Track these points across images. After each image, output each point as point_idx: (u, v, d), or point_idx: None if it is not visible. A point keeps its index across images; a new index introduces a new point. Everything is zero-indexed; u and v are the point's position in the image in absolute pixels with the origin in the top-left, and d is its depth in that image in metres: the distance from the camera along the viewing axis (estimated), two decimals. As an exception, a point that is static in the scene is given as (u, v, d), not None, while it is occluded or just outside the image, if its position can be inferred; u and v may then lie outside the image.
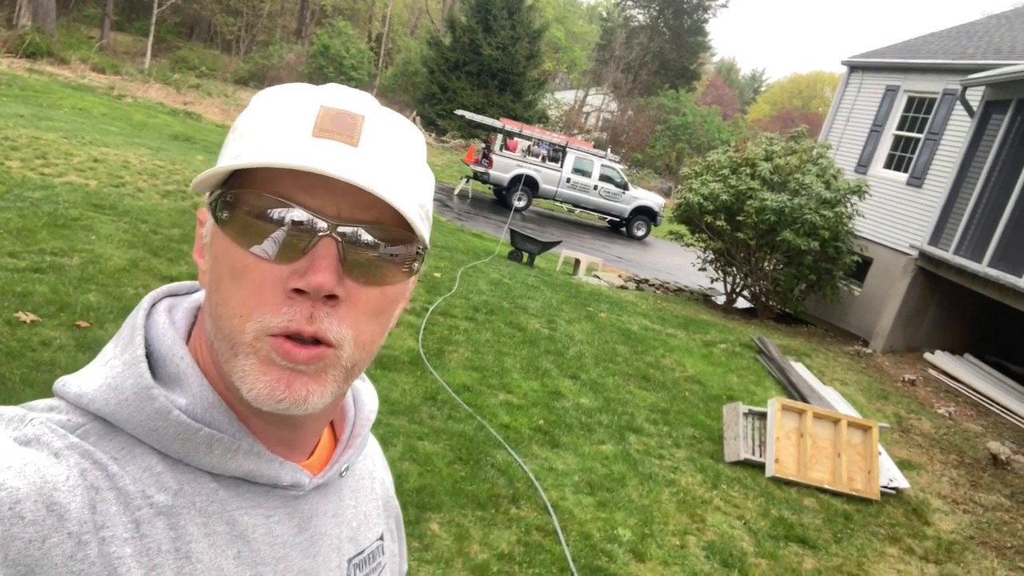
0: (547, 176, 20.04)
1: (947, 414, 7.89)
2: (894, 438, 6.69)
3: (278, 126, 0.61)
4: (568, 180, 20.13)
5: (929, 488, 5.83)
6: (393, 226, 0.63)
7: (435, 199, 17.15)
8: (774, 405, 5.53)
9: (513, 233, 12.27)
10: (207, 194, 0.65)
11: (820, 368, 8.56)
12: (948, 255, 9.39)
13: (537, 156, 20.58)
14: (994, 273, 8.28)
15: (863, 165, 12.81)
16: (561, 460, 4.81)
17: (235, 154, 0.62)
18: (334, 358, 0.62)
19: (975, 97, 9.98)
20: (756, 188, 10.68)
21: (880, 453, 5.63)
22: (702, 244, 11.99)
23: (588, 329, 8.07)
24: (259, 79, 31.04)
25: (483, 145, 21.60)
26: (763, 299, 11.72)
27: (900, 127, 12.45)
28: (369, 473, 0.85)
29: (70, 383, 0.64)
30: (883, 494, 5.41)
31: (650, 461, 5.13)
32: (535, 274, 10.83)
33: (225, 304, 0.62)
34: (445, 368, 5.86)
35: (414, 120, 28.33)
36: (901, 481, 5.64)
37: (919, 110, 12.13)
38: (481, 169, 19.75)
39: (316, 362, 0.61)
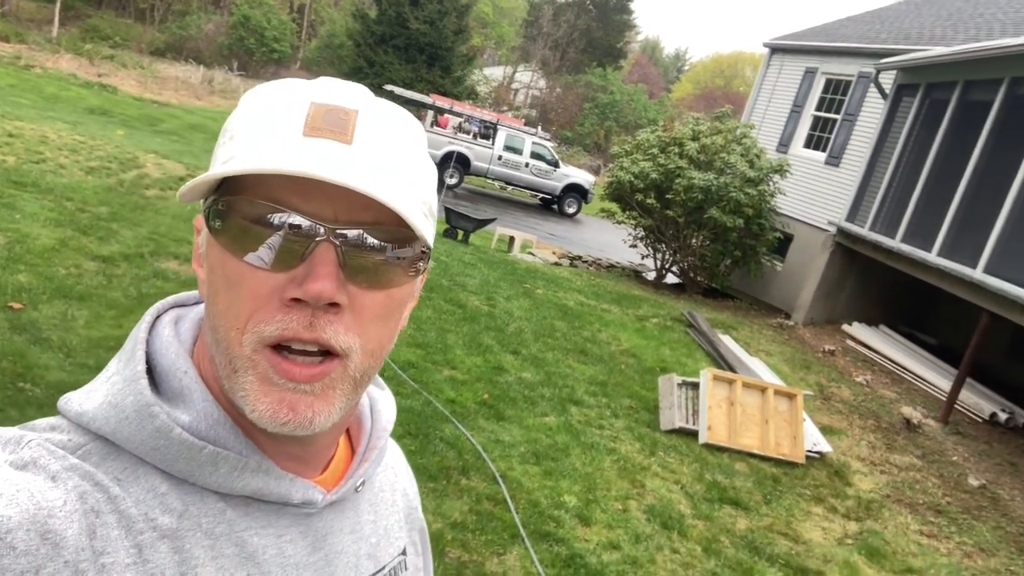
0: (479, 153, 20.08)
1: (864, 382, 8.37)
2: (816, 405, 7.08)
3: (267, 127, 0.59)
4: (500, 158, 20.20)
5: (849, 451, 6.22)
6: (394, 226, 0.59)
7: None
8: (706, 376, 5.80)
9: (448, 211, 12.31)
10: (201, 202, 0.63)
11: (746, 340, 8.95)
12: (864, 231, 9.89)
13: (468, 133, 20.58)
14: (906, 248, 8.78)
15: (784, 145, 13.29)
16: (507, 432, 4.96)
17: (225, 158, 0.60)
18: (340, 371, 0.60)
19: (888, 80, 10.48)
20: (684, 167, 11.00)
21: (804, 419, 5.96)
22: (633, 221, 12.29)
23: (526, 305, 8.23)
24: (176, 50, 29.94)
25: (413, 121, 21.45)
26: (691, 274, 12.10)
27: (819, 108, 12.96)
28: (390, 484, 0.82)
29: (72, 400, 0.62)
30: (808, 458, 5.75)
31: (591, 431, 5.33)
32: (471, 252, 10.92)
33: (222, 316, 0.60)
34: (388, 346, 5.92)
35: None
36: (824, 445, 6.00)
37: (836, 92, 12.64)
38: (411, 146, 19.64)
39: (320, 379, 0.59)
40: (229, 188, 0.60)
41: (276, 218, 0.57)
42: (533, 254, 12.56)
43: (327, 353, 0.59)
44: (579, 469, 4.70)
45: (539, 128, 22.38)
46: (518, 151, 20.44)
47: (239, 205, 0.58)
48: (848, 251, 10.50)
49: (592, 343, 7.49)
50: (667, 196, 11.09)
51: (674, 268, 12.43)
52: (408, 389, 5.18)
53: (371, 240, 0.59)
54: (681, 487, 4.85)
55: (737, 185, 10.73)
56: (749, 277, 12.10)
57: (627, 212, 12.41)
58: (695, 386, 5.88)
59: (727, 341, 8.47)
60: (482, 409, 5.21)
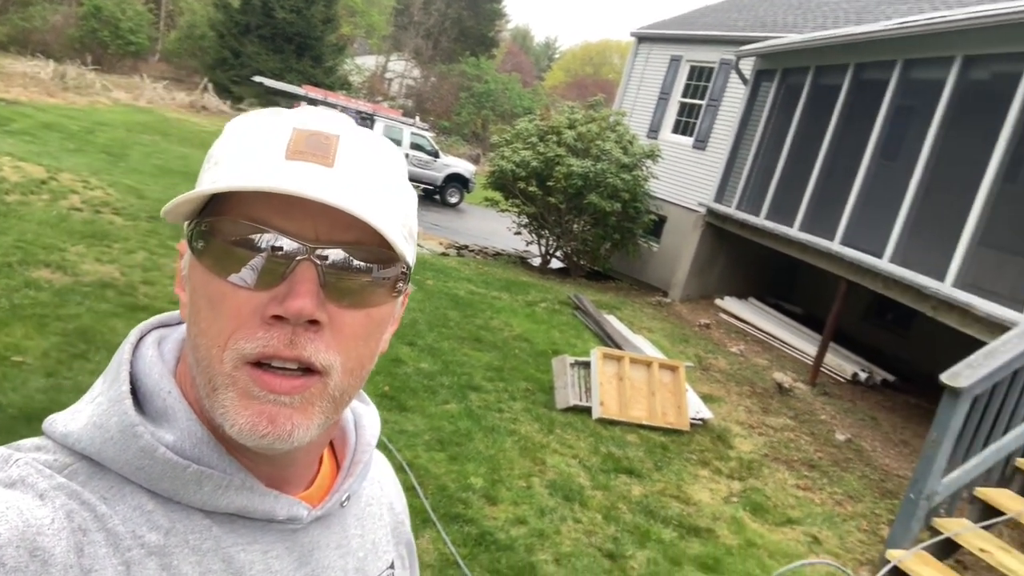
0: (355, 146, 19.83)
1: (738, 352, 8.93)
2: (697, 376, 7.51)
3: (251, 151, 0.60)
4: (377, 150, 20.02)
5: (729, 416, 6.66)
6: (375, 246, 0.61)
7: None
8: (596, 354, 6.06)
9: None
10: (184, 226, 0.64)
11: (630, 319, 9.34)
12: (731, 210, 10.50)
13: (344, 125, 20.26)
14: (770, 225, 9.41)
15: (654, 130, 13.86)
16: (410, 422, 5.04)
17: (210, 182, 0.60)
18: (320, 387, 0.60)
19: (747, 67, 11.13)
20: (563, 155, 11.31)
21: (687, 390, 6.34)
22: (516, 209, 12.52)
23: (418, 297, 8.29)
24: (20, 44, 27.85)
25: (286, 114, 20.92)
26: (574, 259, 12.48)
27: (684, 94, 13.59)
28: (377, 499, 0.82)
29: (57, 421, 0.62)
30: (692, 425, 6.13)
31: (491, 415, 5.49)
32: (355, 245, 10.84)
33: (203, 335, 0.60)
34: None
35: (205, 88, 26.73)
36: (706, 412, 6.40)
37: (700, 78, 13.28)
38: (285, 140, 19.18)
39: (300, 392, 0.59)
40: (212, 210, 0.61)
41: (258, 238, 0.58)
42: (420, 245, 12.55)
43: (307, 370, 0.59)
44: (483, 452, 4.85)
45: (417, 118, 22.31)
46: (397, 142, 20.29)
47: (221, 225, 0.59)
48: (717, 230, 11.11)
49: (486, 330, 7.64)
50: (548, 183, 11.38)
51: (558, 253, 12.77)
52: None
53: (351, 260, 0.60)
54: (579, 461, 5.08)
55: (613, 171, 11.13)
56: (628, 259, 12.60)
57: (510, 200, 12.62)
58: (586, 365, 6.13)
59: (612, 321, 8.83)
60: (384, 401, 5.26)
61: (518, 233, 13.08)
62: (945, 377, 4.20)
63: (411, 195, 0.67)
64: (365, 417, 0.80)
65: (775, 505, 5.16)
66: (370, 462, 0.77)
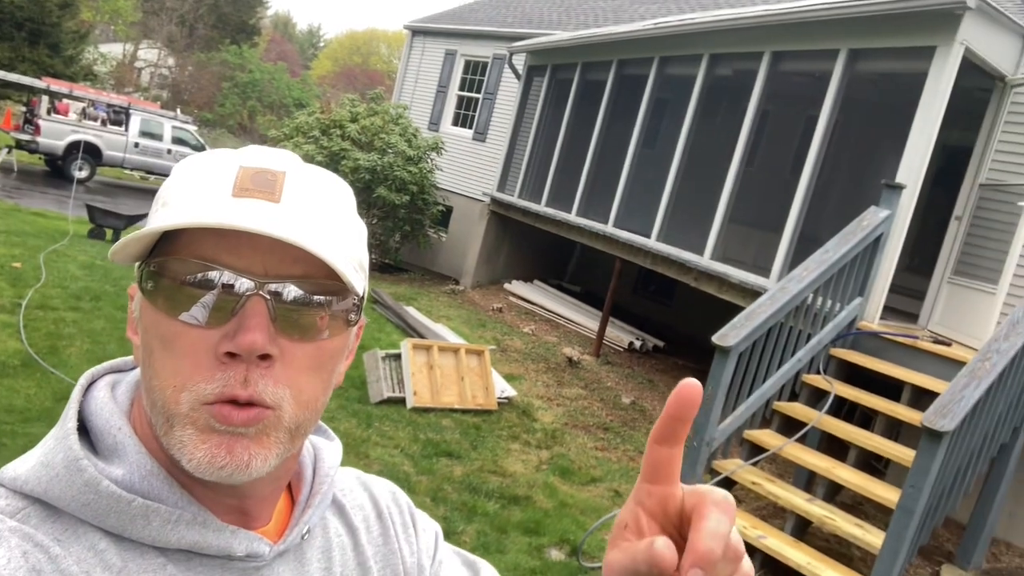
0: (110, 141, 18.22)
1: (530, 332, 9.49)
2: (498, 357, 7.92)
3: (197, 190, 0.61)
4: (136, 145, 18.56)
5: (530, 392, 7.12)
6: (323, 279, 0.61)
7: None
8: (406, 346, 6.24)
9: (91, 208, 11.18)
10: (135, 267, 0.64)
11: (428, 308, 9.59)
12: (514, 199, 11.08)
13: (96, 120, 18.56)
14: (551, 211, 10.06)
15: (434, 123, 14.18)
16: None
17: (155, 224, 0.61)
18: (274, 419, 0.60)
19: (520, 62, 11.74)
20: (348, 148, 11.28)
21: (492, 371, 6.71)
22: (299, 205, 12.27)
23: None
24: None
25: (24, 109, 18.78)
26: (364, 252, 12.48)
27: (461, 88, 14.03)
28: (349, 528, 0.79)
29: (7, 468, 0.62)
30: (499, 404, 6.51)
31: (308, 415, 5.49)
32: (128, 251, 10.10)
33: (157, 376, 0.60)
34: (67, 365, 5.45)
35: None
36: (510, 391, 6.81)
37: (475, 72, 13.78)
38: (26, 137, 17.20)
39: (255, 423, 0.59)
40: (161, 250, 0.61)
41: (207, 275, 0.59)
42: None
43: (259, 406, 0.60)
44: (305, 451, 4.86)
45: (179, 111, 20.92)
46: (158, 137, 18.94)
47: (170, 265, 0.60)
48: (502, 218, 11.66)
49: (285, 330, 7.52)
50: (334, 178, 11.29)
51: (346, 247, 12.71)
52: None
53: (300, 293, 0.60)
54: (401, 450, 5.25)
55: (400, 164, 11.29)
56: (419, 250, 12.84)
57: (293, 196, 12.35)
58: (397, 357, 6.29)
59: (412, 312, 9.03)
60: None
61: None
62: (715, 338, 4.86)
63: (360, 228, 0.68)
64: (325, 451, 0.78)
65: (579, 467, 5.66)
66: (330, 492, 0.75)
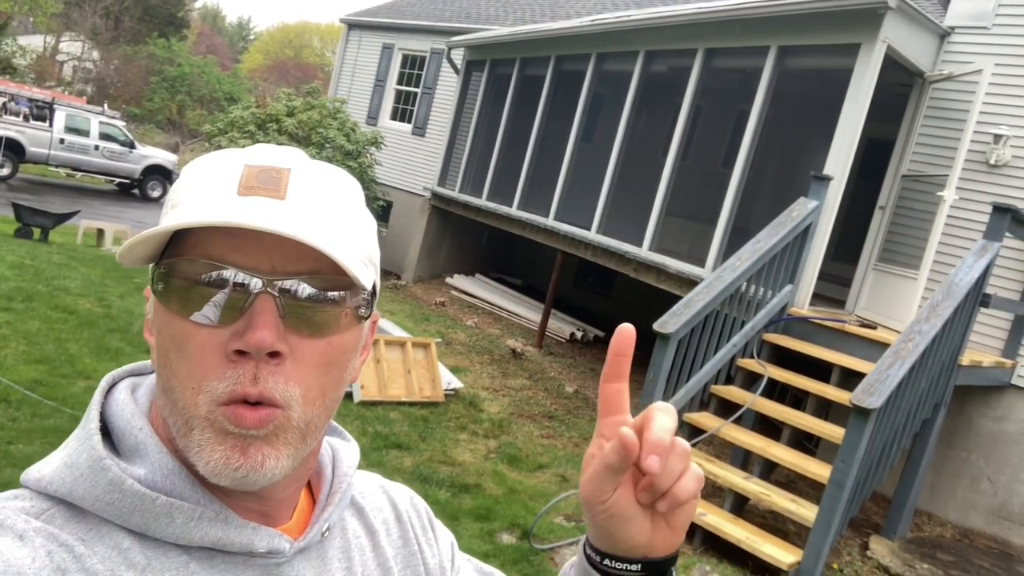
0: (34, 138, 17.56)
1: (473, 325, 9.57)
2: (443, 350, 7.98)
3: (204, 190, 0.61)
4: (62, 141, 17.92)
5: (476, 383, 7.21)
6: (331, 275, 0.62)
7: None
8: (352, 340, 6.25)
9: (17, 207, 10.79)
10: (149, 270, 0.65)
11: (370, 303, 9.58)
12: (455, 193, 11.13)
13: (17, 115, 17.85)
14: (492, 205, 10.15)
15: (372, 117, 14.11)
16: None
17: (163, 225, 0.61)
18: (284, 419, 0.61)
19: (459, 57, 11.78)
20: (285, 143, 11.12)
21: (438, 364, 6.77)
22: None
23: (143, 301, 7.79)
24: None
25: (-61, 104, 17.94)
26: (303, 248, 12.35)
27: (400, 82, 13.99)
28: (368, 530, 0.79)
29: (31, 470, 0.63)
30: (446, 396, 6.58)
31: (255, 410, 5.46)
32: (57, 250, 9.80)
33: (175, 377, 0.61)
34: (3, 367, 5.30)
35: None
36: (456, 383, 6.88)
37: (413, 66, 13.76)
38: (-59, 133, 16.49)
39: (266, 424, 0.60)
40: (170, 252, 0.62)
41: (215, 275, 0.59)
42: (130, 245, 11.65)
43: (269, 404, 0.61)
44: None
45: (106, 106, 20.27)
46: (84, 132, 18.31)
47: (179, 266, 0.60)
48: (443, 212, 11.69)
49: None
50: (272, 173, 11.15)
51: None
52: (46, 408, 4.76)
53: (309, 289, 0.61)
54: (350, 443, 5.27)
55: (339, 159, 11.22)
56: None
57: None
58: (343, 351, 6.29)
59: (354, 306, 9.01)
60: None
61: (240, 226, 12.63)
62: (656, 326, 5.03)
63: (369, 222, 0.69)
64: (342, 451, 0.79)
65: (527, 455, 5.78)
66: (348, 491, 0.76)
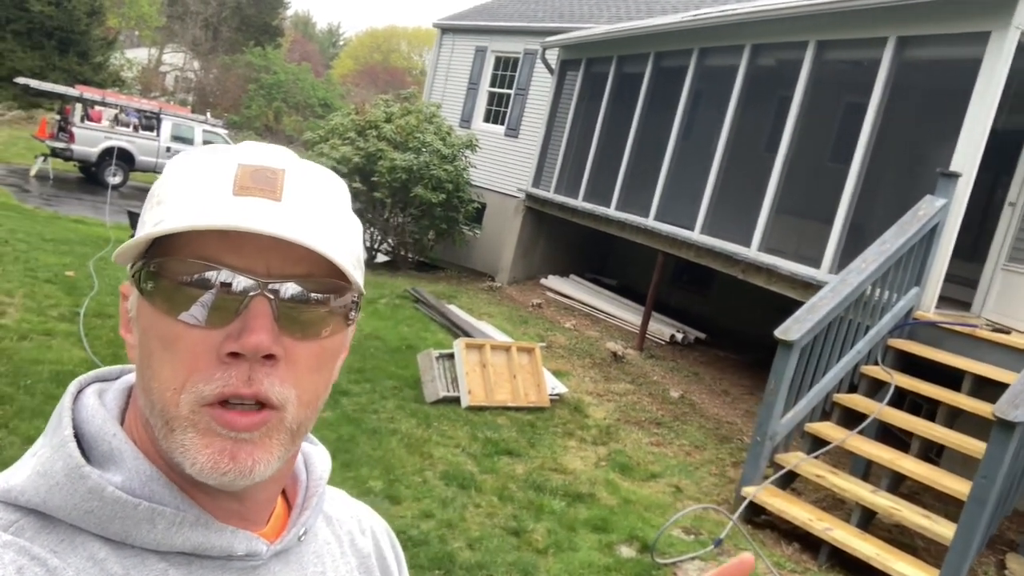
0: (143, 147, 18.47)
1: (572, 327, 9.51)
2: (544, 354, 7.93)
3: (196, 188, 0.60)
4: (168, 149, 18.78)
5: (579, 388, 7.15)
6: (326, 277, 0.62)
7: (9, 184, 14.91)
8: (459, 345, 6.29)
9: (132, 215, 11.36)
10: (129, 266, 0.63)
11: (468, 306, 9.64)
12: (550, 194, 11.08)
13: (128, 125, 18.81)
14: (589, 206, 10.06)
15: (466, 120, 14.22)
16: (292, 433, 5.00)
17: (155, 222, 0.60)
18: (277, 421, 0.61)
19: (553, 57, 11.73)
20: (384, 149, 11.35)
21: (543, 369, 6.74)
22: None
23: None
24: None
25: (58, 117, 19.06)
26: (400, 251, 12.57)
27: (493, 84, 14.05)
28: (336, 537, 0.80)
29: None
30: (551, 401, 6.54)
31: (369, 417, 5.56)
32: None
33: (157, 377, 0.60)
34: (133, 369, 5.56)
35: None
36: (560, 387, 6.84)
37: (507, 68, 13.79)
38: (61, 144, 17.47)
39: (259, 428, 0.60)
40: (159, 250, 0.61)
41: (209, 275, 0.58)
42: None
43: (263, 405, 0.60)
44: (372, 455, 4.93)
45: (208, 115, 21.14)
46: (189, 141, 19.12)
47: (171, 265, 0.59)
48: (537, 213, 11.67)
49: (335, 331, 7.60)
50: (372, 178, 11.37)
51: (383, 247, 12.80)
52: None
53: (304, 292, 0.61)
54: (462, 449, 5.30)
55: (436, 163, 11.35)
56: (454, 247, 12.89)
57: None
58: (451, 356, 6.34)
59: (455, 310, 9.08)
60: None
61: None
62: (778, 332, 4.86)
63: (356, 225, 0.68)
64: (314, 456, 0.79)
65: (637, 463, 5.68)
66: (323, 496, 0.77)
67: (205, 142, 19.23)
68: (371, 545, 0.84)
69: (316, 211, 0.62)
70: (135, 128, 18.85)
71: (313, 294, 0.61)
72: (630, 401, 7.08)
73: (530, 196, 11.64)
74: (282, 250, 0.59)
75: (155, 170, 18.79)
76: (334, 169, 11.54)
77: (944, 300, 6.22)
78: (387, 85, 42.87)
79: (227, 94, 32.02)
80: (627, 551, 4.30)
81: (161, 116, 19.03)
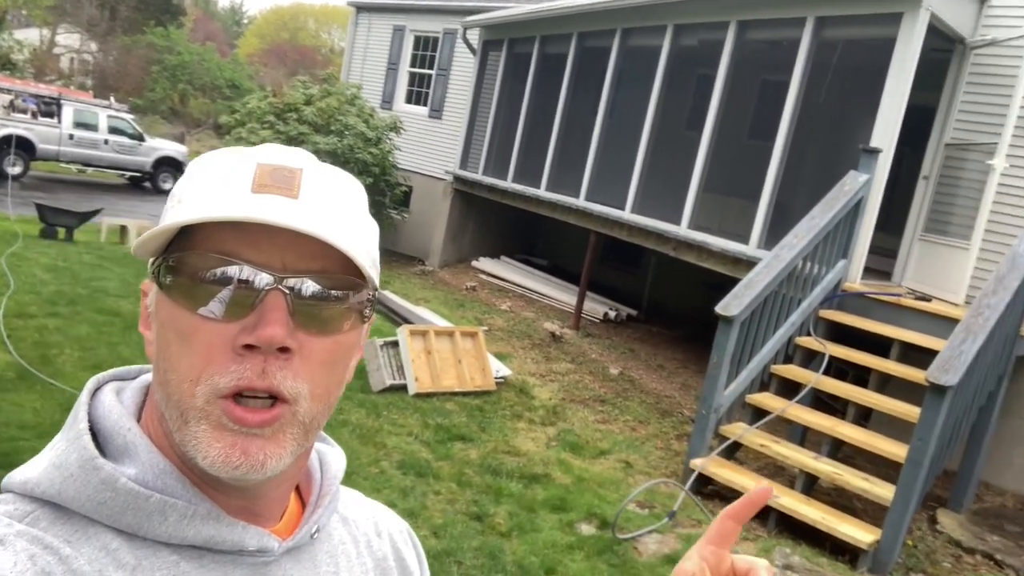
0: (43, 135, 17.46)
1: (508, 308, 9.55)
2: (486, 337, 7.97)
3: (216, 186, 0.62)
4: (71, 137, 17.83)
5: (522, 370, 7.21)
6: (341, 274, 0.63)
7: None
8: (403, 332, 6.25)
9: (41, 207, 10.75)
10: (149, 263, 0.65)
11: (403, 291, 9.56)
12: (479, 176, 11.05)
13: (25, 112, 17.75)
14: (519, 187, 10.08)
15: (387, 102, 13.98)
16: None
17: (174, 219, 0.61)
18: (290, 416, 0.61)
19: (475, 37, 11.63)
20: (307, 133, 11.05)
21: (487, 352, 6.76)
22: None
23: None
24: None
25: (-55, 105, 17.83)
26: (327, 237, 12.30)
27: (413, 64, 13.84)
28: (353, 538, 0.80)
29: (15, 473, 0.62)
30: (497, 384, 6.58)
31: (316, 409, 5.46)
32: (84, 250, 9.76)
33: (174, 370, 0.61)
34: (63, 374, 5.30)
35: None
36: (504, 370, 6.88)
37: (427, 48, 13.59)
38: (-49, 134, 16.40)
39: (271, 424, 0.60)
40: (179, 245, 0.62)
41: (227, 270, 0.60)
42: (154, 241, 11.60)
43: (276, 399, 0.61)
44: (324, 447, 4.86)
45: (112, 99, 20.12)
46: (93, 127, 18.20)
47: (190, 260, 0.61)
48: (466, 195, 11.63)
49: (270, 323, 7.42)
50: (294, 164, 11.06)
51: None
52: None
53: (319, 288, 0.62)
54: (415, 437, 5.28)
55: (360, 146, 11.13)
56: (383, 232, 12.67)
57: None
58: (395, 344, 6.29)
59: (391, 296, 8.99)
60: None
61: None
62: (719, 308, 5.01)
63: (373, 226, 0.70)
64: (329, 455, 0.80)
65: (586, 441, 5.78)
66: (337, 495, 0.77)
67: (110, 128, 18.37)
68: (388, 547, 0.85)
69: (332, 209, 0.63)
70: (33, 115, 17.79)
71: (328, 290, 0.63)
72: (572, 380, 7.18)
73: (458, 178, 11.58)
74: (298, 246, 0.60)
75: (57, 159, 17.82)
76: (255, 155, 11.24)
77: (867, 271, 6.52)
78: (296, 64, 41.68)
79: (128, 77, 30.49)
80: (587, 528, 4.39)
81: (61, 101, 18.02)
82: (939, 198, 6.67)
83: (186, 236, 0.62)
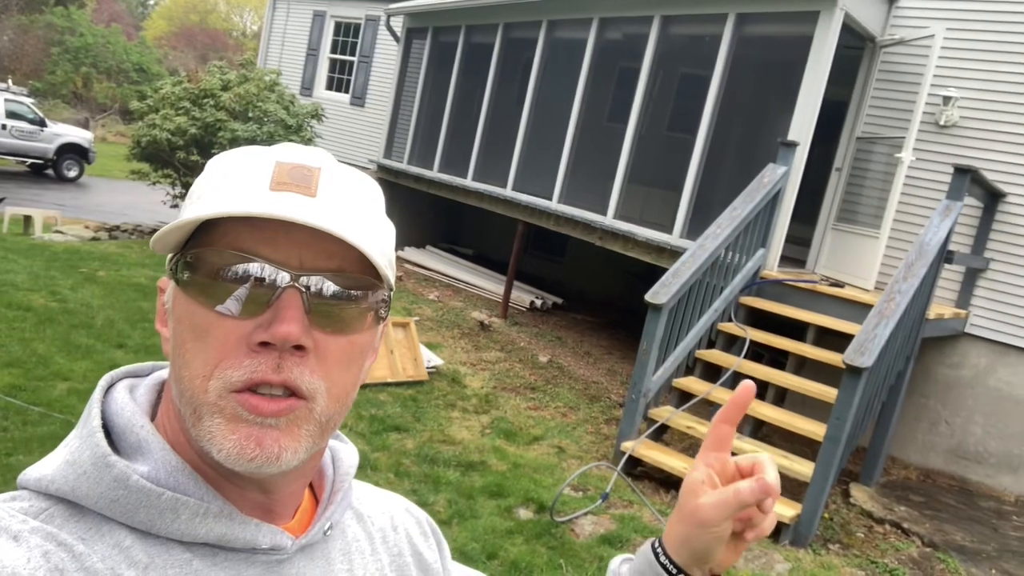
0: (-66, 119, 16.47)
1: (436, 298, 9.55)
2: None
3: (234, 183, 0.62)
4: (-34, 121, 16.85)
5: (453, 359, 7.24)
6: (358, 273, 0.63)
7: None
8: (333, 323, 6.18)
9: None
10: (167, 259, 0.65)
11: (328, 282, 9.42)
12: (403, 165, 10.98)
13: (-87, 96, 16.66)
14: (445, 177, 10.07)
15: (307, 88, 13.71)
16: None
17: (193, 215, 0.62)
18: (306, 411, 0.62)
19: (398, 24, 11.52)
20: (224, 119, 10.74)
21: (418, 342, 6.76)
22: (168, 180, 11.62)
23: (99, 292, 7.49)
24: None
25: None
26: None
27: (334, 51, 13.61)
28: (367, 535, 0.80)
29: (31, 470, 0.62)
30: (429, 374, 6.59)
31: (247, 403, 5.36)
32: (-13, 241, 9.29)
33: (188, 366, 0.61)
34: (-27, 371, 5.05)
35: None
36: (436, 360, 6.89)
37: (348, 34, 13.38)
38: None
39: (287, 414, 0.60)
40: (197, 241, 0.63)
41: (243, 266, 0.60)
42: (62, 232, 11.11)
43: (292, 394, 0.61)
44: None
45: (10, 82, 19.06)
46: (-12, 112, 17.25)
47: (207, 256, 0.61)
48: (391, 184, 11.50)
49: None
50: (212, 151, 10.74)
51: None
52: (34, 414, 4.57)
53: (335, 286, 0.62)
54: (349, 428, 5.25)
55: (281, 133, 10.89)
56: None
57: (161, 171, 11.65)
58: (325, 335, 6.22)
59: (316, 286, 8.86)
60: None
61: (175, 206, 12.15)
62: (649, 296, 5.16)
63: (390, 227, 0.71)
64: (341, 452, 0.80)
65: (520, 428, 5.87)
66: (350, 491, 0.77)
67: (8, 112, 17.42)
68: (404, 542, 0.84)
69: (350, 208, 0.63)
70: (-79, 98, 16.73)
71: (344, 289, 0.63)
72: (503, 368, 7.26)
73: (382, 167, 11.47)
74: (315, 245, 0.61)
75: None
76: (168, 141, 10.85)
77: (784, 259, 6.82)
78: (207, 48, 40.29)
79: (26, 58, 28.86)
80: (525, 513, 4.47)
81: (-49, 84, 17.00)
82: (850, 189, 7.02)
83: (204, 232, 0.63)
